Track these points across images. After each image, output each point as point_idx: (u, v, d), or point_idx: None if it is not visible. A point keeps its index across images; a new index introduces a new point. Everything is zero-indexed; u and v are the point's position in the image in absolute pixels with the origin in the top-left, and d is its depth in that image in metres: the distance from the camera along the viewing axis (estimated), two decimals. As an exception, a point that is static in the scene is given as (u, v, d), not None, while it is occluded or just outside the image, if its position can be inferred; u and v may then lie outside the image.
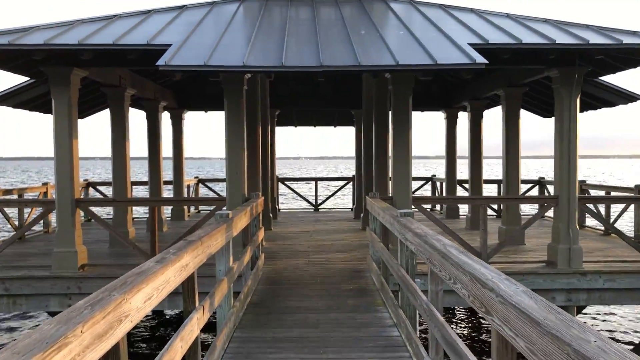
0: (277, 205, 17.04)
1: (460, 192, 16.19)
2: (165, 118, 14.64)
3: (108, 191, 29.32)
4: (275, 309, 6.29)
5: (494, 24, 8.32)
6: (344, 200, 30.09)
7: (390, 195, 8.78)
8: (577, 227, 8.53)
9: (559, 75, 8.25)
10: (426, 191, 18.96)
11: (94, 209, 14.01)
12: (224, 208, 8.44)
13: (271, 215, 13.08)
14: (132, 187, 15.80)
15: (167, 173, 17.96)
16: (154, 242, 8.32)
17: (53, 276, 8.10)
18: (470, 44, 7.12)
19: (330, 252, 9.93)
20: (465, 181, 16.21)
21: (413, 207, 8.47)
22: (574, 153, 8.37)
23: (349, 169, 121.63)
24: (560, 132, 8.45)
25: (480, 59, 6.46)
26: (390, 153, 10.98)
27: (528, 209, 22.47)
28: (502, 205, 12.23)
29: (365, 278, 7.93)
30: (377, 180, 10.94)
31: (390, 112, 11.16)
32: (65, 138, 8.17)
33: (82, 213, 9.80)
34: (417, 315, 5.34)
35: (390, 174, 11.24)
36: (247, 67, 6.35)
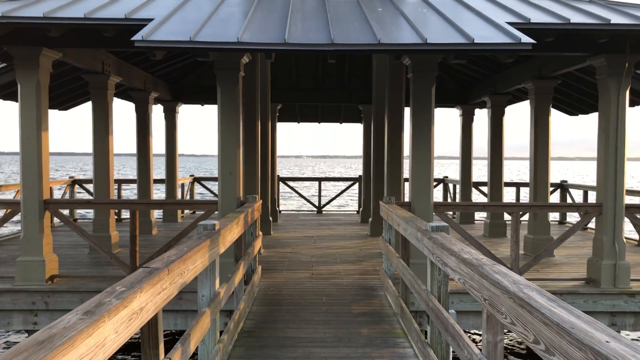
0: (278, 207, 15.89)
1: (476, 196, 15.02)
2: (158, 111, 13.53)
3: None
4: (272, 340, 5.14)
5: (531, 2, 7.15)
6: (348, 201, 28.93)
7: (407, 200, 7.63)
8: (624, 240, 7.38)
9: (606, 64, 7.10)
10: (436, 193, 17.77)
11: (77, 211, 12.85)
12: (216, 212, 7.31)
13: (271, 218, 11.94)
14: (122, 185, 14.69)
15: (160, 171, 16.80)
16: (134, 251, 7.18)
17: (15, 289, 6.98)
18: (508, 23, 5.97)
19: (337, 263, 8.78)
20: (482, 184, 15.06)
21: (434, 215, 7.33)
22: (621, 154, 7.22)
23: (353, 169, 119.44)
24: (605, 130, 7.29)
25: (525, 38, 5.30)
26: (404, 153, 9.84)
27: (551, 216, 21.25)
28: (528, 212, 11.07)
29: (379, 297, 6.78)
30: (389, 183, 9.80)
31: (406, 107, 10.05)
32: (32, 129, 7.05)
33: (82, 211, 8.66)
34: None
35: (403, 177, 10.12)
36: (242, 44, 5.20)
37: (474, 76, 12.90)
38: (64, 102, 11.96)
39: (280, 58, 13.01)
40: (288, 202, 29.41)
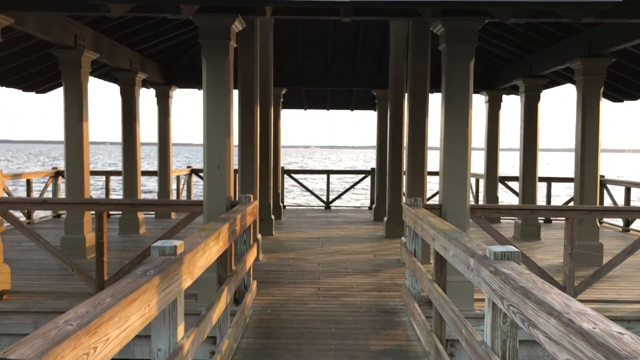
0: (282, 202, 14.52)
1: (503, 193, 13.56)
2: (151, 96, 12.17)
3: (97, 181, 26.88)
4: (264, 400, 3.77)
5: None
6: (359, 195, 27.46)
7: (437, 203, 6.20)
8: None
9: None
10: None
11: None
12: (203, 216, 5.94)
13: (273, 217, 10.56)
14: (110, 178, 13.39)
15: (154, 161, 15.40)
16: (101, 261, 5.83)
17: (-48, 310, 5.67)
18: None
19: (349, 274, 7.41)
20: (509, 178, 13.60)
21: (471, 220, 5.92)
22: None
23: (362, 160, 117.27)
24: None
25: (614, -12, 3.85)
26: (427, 144, 8.42)
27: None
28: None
29: (403, 326, 5.39)
30: (410, 179, 8.37)
31: (431, 89, 8.62)
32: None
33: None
34: None
35: (426, 171, 8.70)
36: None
37: (503, 57, 11.40)
38: (40, 83, 10.60)
39: (283, 32, 11.59)
40: (295, 196, 28.04)
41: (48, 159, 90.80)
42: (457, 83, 5.70)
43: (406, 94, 8.12)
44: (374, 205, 12.90)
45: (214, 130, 5.73)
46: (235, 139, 6.36)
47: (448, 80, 5.74)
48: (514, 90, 12.99)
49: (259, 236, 8.36)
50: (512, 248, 3.02)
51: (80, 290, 6.11)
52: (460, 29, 5.51)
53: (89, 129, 8.33)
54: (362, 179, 15.33)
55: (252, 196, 5.99)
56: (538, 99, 10.59)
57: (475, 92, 13.18)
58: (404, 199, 10.17)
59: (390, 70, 10.40)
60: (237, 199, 6.11)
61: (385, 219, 10.43)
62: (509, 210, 7.58)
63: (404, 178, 9.52)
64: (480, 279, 3.08)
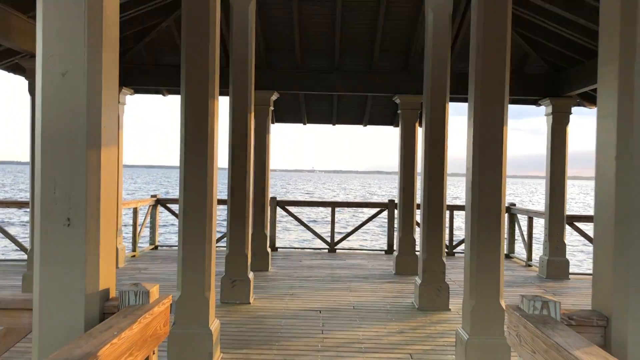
0: (272, 246, 11.14)
1: (572, 236, 10.14)
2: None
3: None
4: None
5: None
6: (366, 227, 23.52)
7: (591, 310, 2.75)
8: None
9: None
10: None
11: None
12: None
13: (251, 275, 7.14)
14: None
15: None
16: None
17: None
18: None
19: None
20: (578, 217, 10.16)
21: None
22: None
23: (370, 186, 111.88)
24: None
25: None
26: (505, 167, 5.05)
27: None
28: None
29: None
30: (477, 229, 4.91)
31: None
32: None
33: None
34: None
35: (504, 210, 5.28)
36: None
37: (580, 48, 8.11)
38: None
39: (272, 13, 8.38)
40: (291, 230, 24.48)
41: None
42: None
43: (473, 92, 4.77)
44: (395, 253, 9.46)
45: (48, 135, 2.38)
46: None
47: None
48: (586, 101, 9.68)
49: (217, 324, 4.93)
50: None
51: None
52: None
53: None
54: (376, 215, 11.93)
55: (153, 289, 2.54)
56: None
57: (532, 101, 9.88)
58: (444, 254, 6.76)
59: (426, 66, 7.08)
60: (118, 295, 2.69)
61: (419, 280, 6.99)
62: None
63: (447, 221, 6.11)
64: None
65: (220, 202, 10.56)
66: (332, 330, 5.90)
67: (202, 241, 4.69)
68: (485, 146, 4.63)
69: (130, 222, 11.16)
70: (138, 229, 10.64)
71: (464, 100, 10.21)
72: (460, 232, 11.48)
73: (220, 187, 7.74)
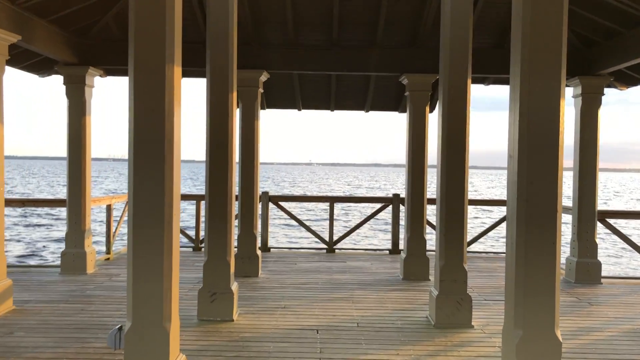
0: (264, 246, 10.02)
1: (604, 234, 9.00)
2: (56, 84, 7.73)
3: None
4: None
5: None
6: (368, 230, 22.08)
7: None
8: None
9: None
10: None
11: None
12: None
13: (233, 288, 5.99)
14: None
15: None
16: None
17: None
18: None
19: None
20: (607, 213, 9.02)
21: None
22: None
23: (366, 180, 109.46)
24: None
25: None
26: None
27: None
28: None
29: None
30: (525, 237, 3.74)
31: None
32: None
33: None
34: None
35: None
36: None
37: (619, 14, 6.94)
38: None
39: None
40: (286, 229, 23.13)
41: None
42: None
43: (519, 63, 3.59)
44: (402, 255, 8.32)
45: None
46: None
47: None
48: (619, 80, 8.52)
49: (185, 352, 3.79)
50: None
51: None
52: None
53: None
54: (379, 210, 10.79)
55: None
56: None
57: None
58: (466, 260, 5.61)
59: (442, 40, 5.89)
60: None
61: (435, 291, 5.83)
62: None
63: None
64: None
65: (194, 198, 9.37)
66: (332, 357, 4.76)
67: (159, 252, 3.54)
68: (538, 129, 3.47)
69: (104, 220, 9.98)
70: (113, 228, 9.48)
71: (480, 81, 9.05)
72: (470, 226, 10.36)
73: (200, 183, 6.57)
